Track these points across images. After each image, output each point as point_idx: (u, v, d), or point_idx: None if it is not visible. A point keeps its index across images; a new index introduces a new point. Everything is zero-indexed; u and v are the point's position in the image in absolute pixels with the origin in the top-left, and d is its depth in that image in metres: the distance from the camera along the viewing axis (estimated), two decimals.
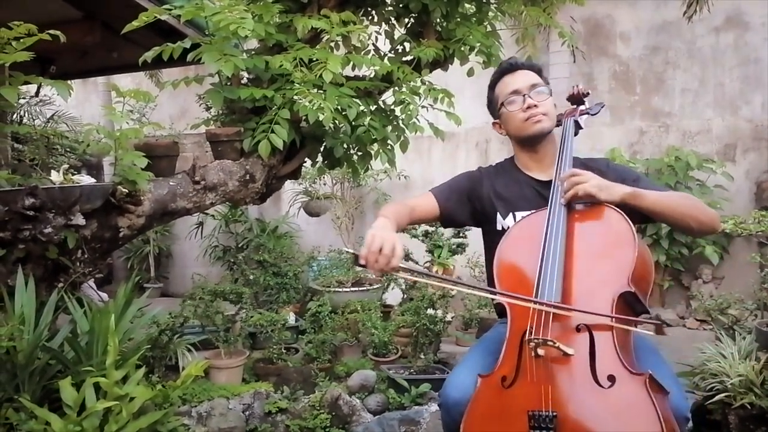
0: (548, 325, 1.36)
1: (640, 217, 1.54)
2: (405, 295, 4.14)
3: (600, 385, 1.28)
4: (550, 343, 1.32)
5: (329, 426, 2.81)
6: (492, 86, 1.81)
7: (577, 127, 1.79)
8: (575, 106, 1.83)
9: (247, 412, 2.87)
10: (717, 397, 2.34)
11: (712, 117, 4.63)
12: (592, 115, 1.84)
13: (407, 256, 4.33)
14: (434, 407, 2.86)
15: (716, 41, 4.60)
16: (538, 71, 1.77)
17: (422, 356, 3.20)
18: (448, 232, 4.35)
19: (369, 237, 1.49)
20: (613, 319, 1.34)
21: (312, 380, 3.12)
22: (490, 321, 3.59)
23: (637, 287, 1.40)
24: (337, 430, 2.82)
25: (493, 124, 1.84)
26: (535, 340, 1.33)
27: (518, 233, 1.62)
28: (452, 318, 3.64)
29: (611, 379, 1.28)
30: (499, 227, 1.74)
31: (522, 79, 1.72)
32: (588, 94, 1.86)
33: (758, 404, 2.26)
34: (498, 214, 1.75)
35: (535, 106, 1.68)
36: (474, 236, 4.32)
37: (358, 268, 4.36)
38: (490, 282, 1.64)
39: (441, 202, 1.80)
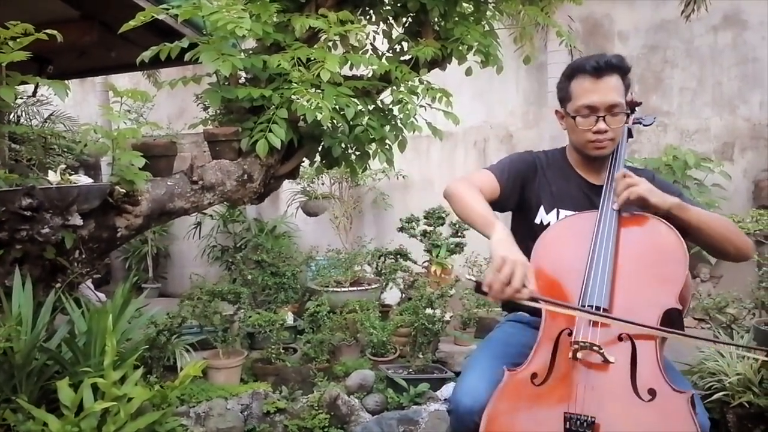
0: (593, 329, 1.34)
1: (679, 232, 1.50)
2: (403, 295, 4.15)
3: (640, 398, 1.26)
4: (596, 348, 1.29)
5: (328, 426, 2.81)
6: (569, 76, 1.65)
7: (629, 134, 1.76)
8: (627, 114, 1.81)
9: (245, 413, 2.87)
10: (715, 396, 2.35)
11: (710, 116, 4.64)
12: (644, 125, 1.81)
13: (405, 256, 4.33)
14: (433, 407, 2.86)
15: (714, 40, 4.60)
16: (624, 74, 1.62)
17: (421, 356, 3.20)
18: (446, 231, 4.35)
19: (498, 261, 1.32)
20: (654, 329, 1.31)
21: (310, 380, 3.11)
22: (489, 320, 3.59)
23: (682, 304, 1.39)
24: (335, 430, 2.82)
25: (556, 111, 1.73)
26: (582, 344, 1.30)
27: (562, 231, 1.57)
28: (451, 317, 3.63)
29: (652, 392, 1.26)
30: (538, 221, 1.69)
31: (603, 92, 1.57)
32: (640, 103, 1.81)
33: (756, 403, 2.26)
34: (542, 207, 1.69)
35: (606, 131, 1.59)
36: (473, 235, 4.32)
37: (357, 268, 4.36)
38: None
39: (501, 182, 1.67)
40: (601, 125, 1.58)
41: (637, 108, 1.82)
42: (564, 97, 1.67)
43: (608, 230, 1.48)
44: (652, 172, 1.78)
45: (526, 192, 1.72)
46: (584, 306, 1.37)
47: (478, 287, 1.35)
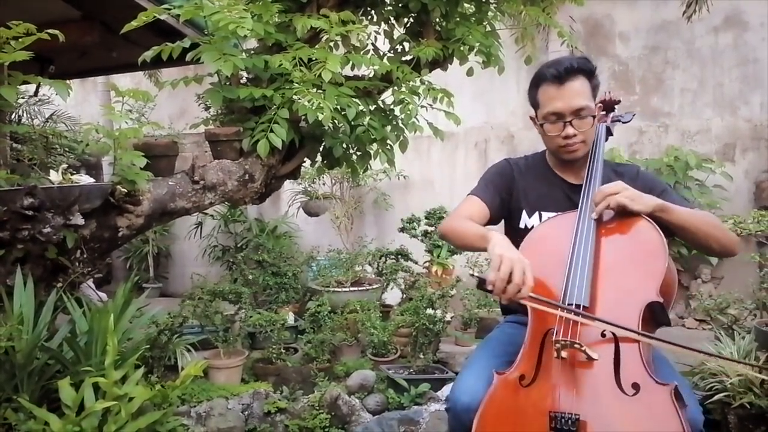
0: (573, 327, 1.35)
1: (663, 231, 1.49)
2: (404, 295, 4.15)
3: (624, 392, 1.27)
4: (577, 346, 1.30)
5: (328, 426, 2.81)
6: (535, 84, 1.66)
7: (608, 133, 1.77)
8: (605, 113, 1.80)
9: (246, 412, 2.87)
10: (716, 397, 2.34)
11: (711, 117, 4.63)
12: (624, 123, 1.82)
13: (406, 256, 4.33)
14: (433, 407, 2.86)
15: (715, 41, 4.60)
16: (589, 75, 1.61)
17: (421, 356, 3.19)
18: None
19: (496, 259, 1.36)
20: (639, 335, 1.31)
21: (311, 380, 3.12)
22: (490, 321, 3.59)
23: (664, 298, 1.39)
24: (336, 430, 2.82)
25: (531, 117, 1.75)
26: (563, 342, 1.31)
27: (545, 232, 1.59)
28: (451, 318, 3.63)
29: (635, 387, 1.27)
30: (522, 225, 1.72)
31: (568, 98, 1.58)
32: (619, 101, 1.83)
33: (757, 404, 2.26)
34: (524, 211, 1.72)
35: (575, 135, 1.60)
36: None
37: (358, 268, 4.36)
38: None
39: (488, 202, 1.71)
40: (569, 130, 1.60)
41: (616, 106, 1.83)
42: (533, 104, 1.70)
43: (588, 229, 1.49)
44: (637, 166, 1.79)
45: (507, 198, 1.76)
46: (566, 304, 1.38)
47: (480, 284, 1.38)
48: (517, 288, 1.33)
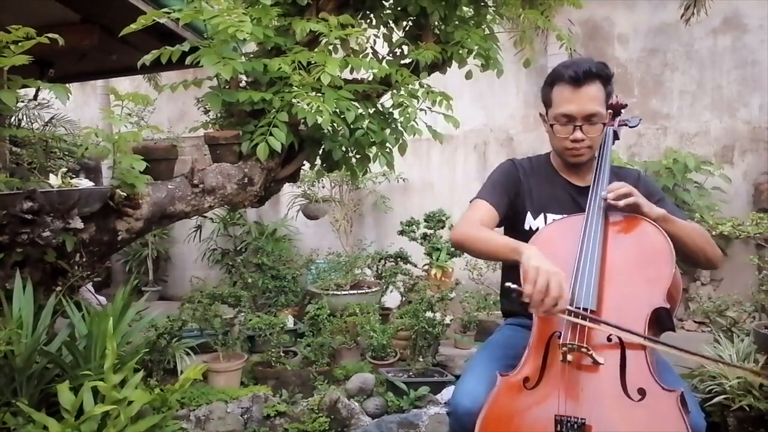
0: (580, 330, 1.35)
1: None
2: (404, 298, 4.14)
3: (629, 397, 1.27)
4: (584, 350, 1.30)
5: (328, 429, 2.81)
6: (551, 83, 1.65)
7: (615, 137, 1.77)
8: (613, 116, 1.80)
9: (245, 416, 2.86)
10: (716, 400, 2.34)
11: (710, 119, 4.64)
12: (630, 127, 1.82)
13: (405, 259, 4.33)
14: (433, 410, 2.86)
15: (714, 43, 4.61)
16: (606, 81, 1.61)
17: (421, 359, 3.19)
18: (446, 234, 4.36)
19: (532, 271, 1.33)
20: (646, 339, 1.32)
21: (310, 383, 3.11)
22: (489, 323, 3.59)
23: (669, 303, 1.39)
24: None
25: (540, 114, 1.75)
26: (570, 345, 1.31)
27: (551, 235, 1.58)
28: (451, 321, 3.63)
29: (641, 392, 1.27)
30: (526, 227, 1.71)
31: (581, 102, 1.58)
32: (626, 105, 1.84)
33: (757, 406, 2.26)
34: (528, 212, 1.71)
35: (583, 140, 1.61)
36: None
37: (357, 271, 4.36)
38: (512, 281, 1.53)
39: (496, 205, 1.68)
40: (578, 134, 1.60)
41: (623, 110, 1.83)
42: (546, 102, 1.69)
43: (595, 232, 1.49)
44: (638, 171, 1.80)
45: (513, 199, 1.74)
46: (573, 308, 1.37)
47: (518, 297, 1.36)
48: (554, 301, 1.31)
